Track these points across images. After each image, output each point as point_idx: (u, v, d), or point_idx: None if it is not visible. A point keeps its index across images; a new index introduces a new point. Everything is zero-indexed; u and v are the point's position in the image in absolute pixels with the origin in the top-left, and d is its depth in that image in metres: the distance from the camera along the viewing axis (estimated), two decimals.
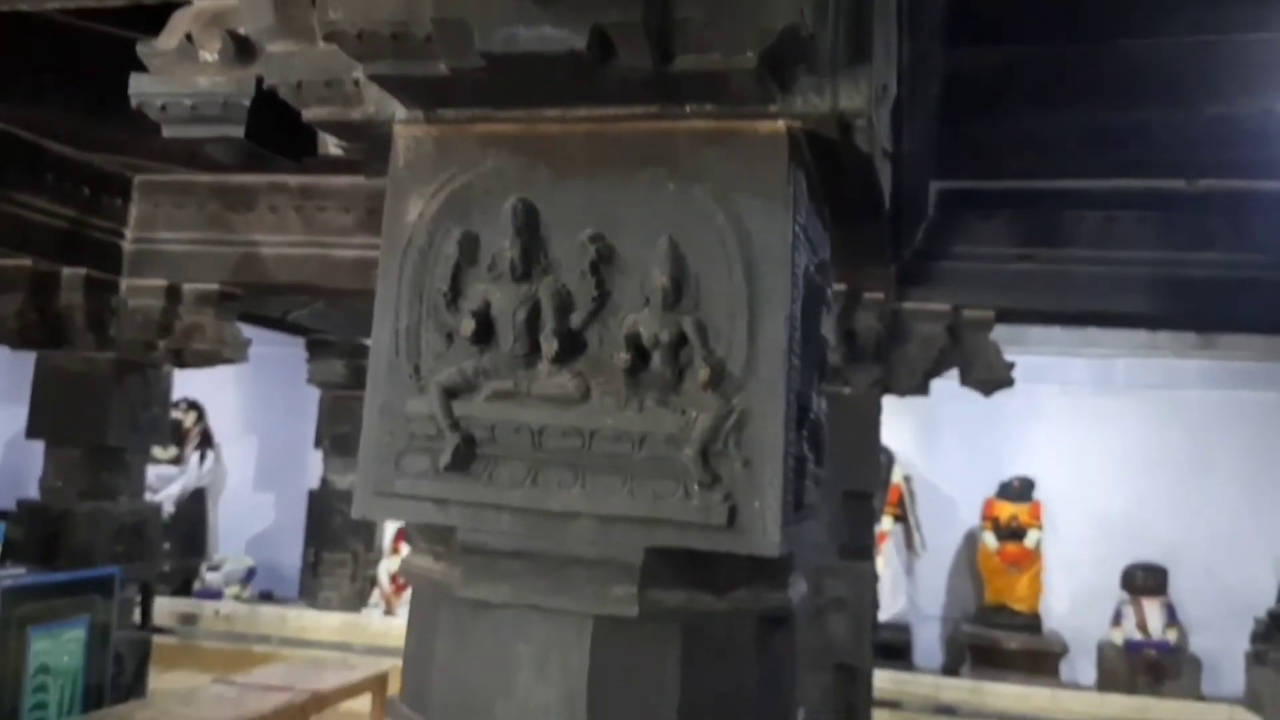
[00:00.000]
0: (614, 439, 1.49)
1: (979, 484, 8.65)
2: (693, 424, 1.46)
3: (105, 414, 5.10)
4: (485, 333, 1.55)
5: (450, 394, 1.55)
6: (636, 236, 1.51)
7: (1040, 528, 8.47)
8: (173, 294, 5.11)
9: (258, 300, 6.23)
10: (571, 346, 1.53)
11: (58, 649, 4.61)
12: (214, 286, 5.13)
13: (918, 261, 4.31)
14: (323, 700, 5.56)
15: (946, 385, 4.71)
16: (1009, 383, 4.66)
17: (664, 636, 1.53)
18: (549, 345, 1.51)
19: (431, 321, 1.59)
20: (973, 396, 4.83)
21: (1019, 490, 8.55)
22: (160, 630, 5.83)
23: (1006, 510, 8.50)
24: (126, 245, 4.98)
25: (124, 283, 5.10)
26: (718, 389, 1.46)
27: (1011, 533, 8.43)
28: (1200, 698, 7.77)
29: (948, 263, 4.42)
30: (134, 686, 5.29)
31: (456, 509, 1.56)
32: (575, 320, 1.53)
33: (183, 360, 5.36)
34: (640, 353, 1.49)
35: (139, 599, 5.39)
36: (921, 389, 4.62)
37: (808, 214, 1.57)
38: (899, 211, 3.98)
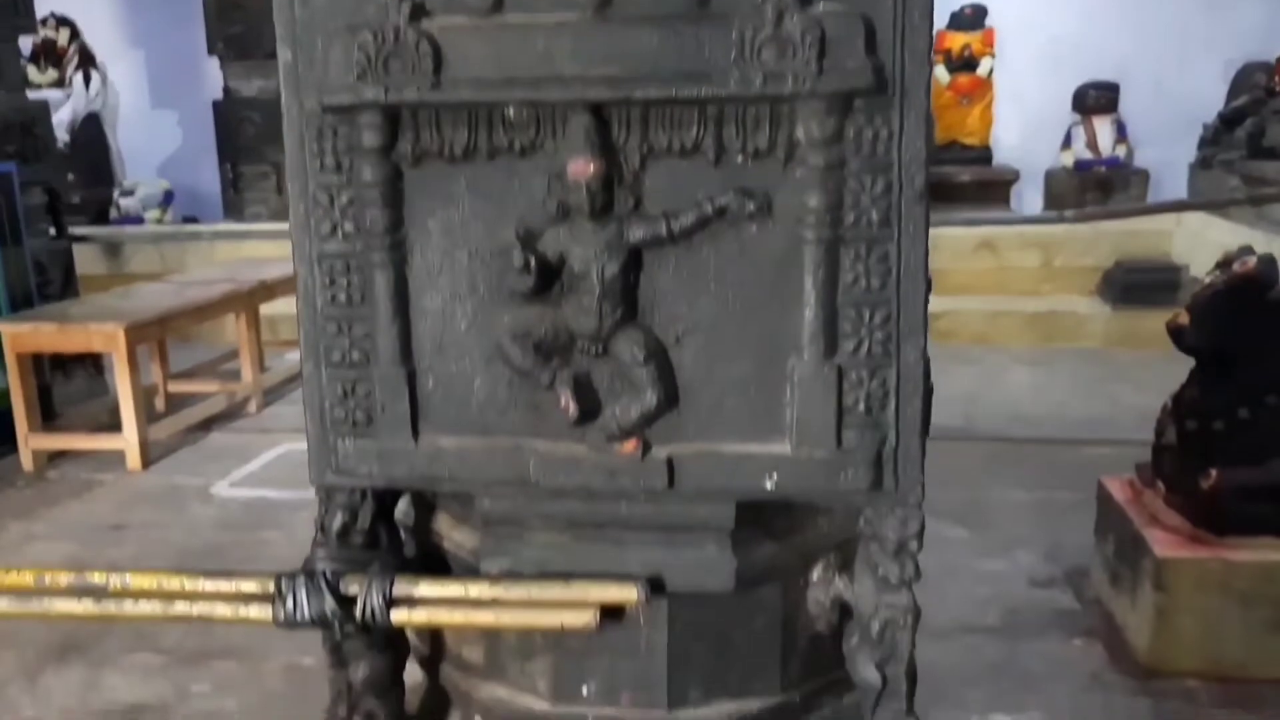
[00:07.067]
0: None
1: None
2: None
3: None
4: None
5: None
6: None
7: (993, 55, 8.10)
8: None
9: None
10: None
11: None
12: None
13: None
14: (270, 289, 5.31)
15: None
16: None
17: None
18: None
19: None
20: None
21: (970, 18, 8.07)
22: (79, 239, 5.43)
23: (958, 40, 8.07)
24: None
25: None
26: None
27: (963, 63, 8.05)
28: None
29: None
30: (64, 296, 4.98)
31: None
32: None
33: None
34: None
35: (46, 205, 4.97)
36: None
37: None
38: None
